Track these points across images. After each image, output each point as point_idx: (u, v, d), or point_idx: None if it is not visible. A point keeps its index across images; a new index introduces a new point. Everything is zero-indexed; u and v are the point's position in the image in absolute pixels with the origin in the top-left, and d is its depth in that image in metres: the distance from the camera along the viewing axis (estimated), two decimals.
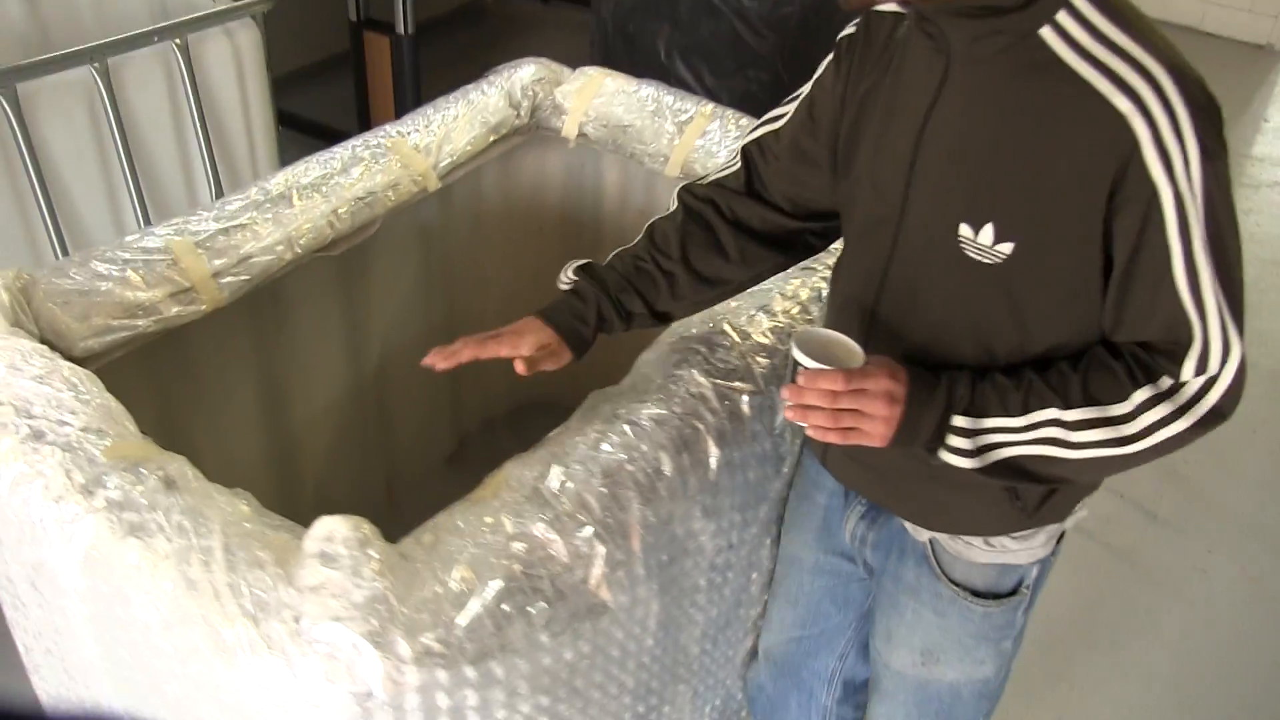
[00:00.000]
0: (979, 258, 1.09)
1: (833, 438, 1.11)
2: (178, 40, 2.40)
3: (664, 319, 1.40)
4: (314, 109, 3.96)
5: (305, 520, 1.13)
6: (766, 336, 1.49)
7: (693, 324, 1.50)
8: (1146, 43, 1.00)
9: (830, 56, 1.26)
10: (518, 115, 2.03)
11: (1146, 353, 1.08)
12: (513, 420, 2.54)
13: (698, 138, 1.93)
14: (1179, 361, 1.06)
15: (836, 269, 1.34)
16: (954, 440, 1.11)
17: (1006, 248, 1.07)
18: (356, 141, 1.85)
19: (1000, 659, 1.38)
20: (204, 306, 1.55)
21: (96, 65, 2.27)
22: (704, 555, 1.43)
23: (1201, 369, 1.05)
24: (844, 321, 1.27)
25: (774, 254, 1.38)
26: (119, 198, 2.46)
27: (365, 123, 3.74)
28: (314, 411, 1.97)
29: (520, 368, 1.30)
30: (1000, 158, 1.06)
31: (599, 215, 2.23)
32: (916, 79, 1.12)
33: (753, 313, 1.52)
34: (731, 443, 1.39)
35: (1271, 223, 4.26)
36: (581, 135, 2.03)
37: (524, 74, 2.05)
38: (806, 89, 1.30)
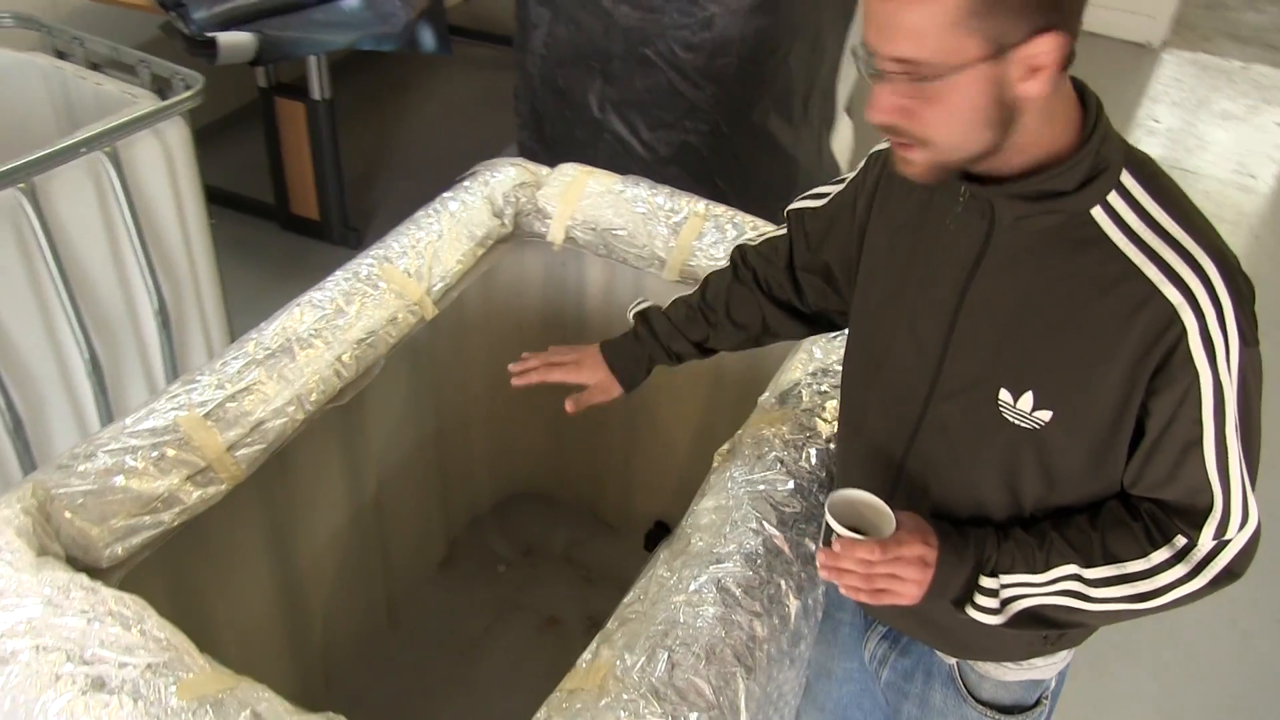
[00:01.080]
0: (1018, 422, 1.11)
1: (864, 598, 1.15)
2: (107, 149, 2.25)
3: (710, 353, 1.53)
4: (226, 176, 3.78)
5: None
6: (822, 469, 1.48)
7: (745, 455, 1.48)
8: (1193, 229, 1.02)
9: (863, 166, 1.27)
10: (502, 224, 1.96)
11: (1164, 512, 1.12)
12: (500, 515, 2.48)
13: (694, 239, 1.89)
14: (1198, 526, 1.09)
15: (853, 404, 1.33)
16: (981, 599, 1.16)
17: (1045, 415, 1.09)
18: (344, 273, 1.76)
19: None
20: (224, 485, 1.46)
21: (22, 186, 2.11)
22: (785, 701, 1.41)
23: (1220, 534, 1.09)
24: (870, 469, 1.28)
25: (804, 327, 1.48)
26: (54, 317, 2.30)
27: (282, 192, 3.58)
28: (318, 546, 1.88)
29: (570, 407, 1.50)
30: (1043, 328, 1.08)
31: (582, 312, 2.18)
32: (959, 234, 1.11)
33: (802, 445, 1.50)
34: (807, 588, 1.37)
35: None
36: (569, 240, 1.98)
37: (504, 179, 1.98)
38: (849, 178, 1.32)
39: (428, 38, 3.35)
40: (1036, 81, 0.94)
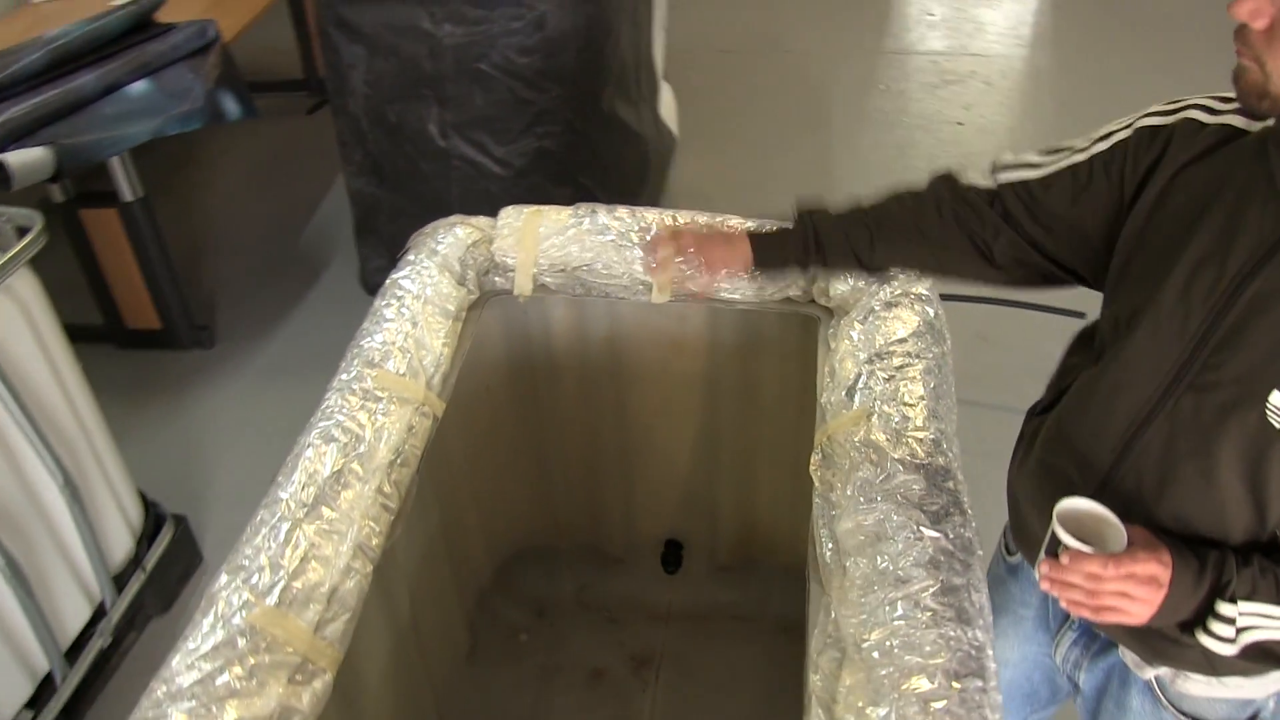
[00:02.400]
0: None
1: (1088, 614, 1.10)
2: None
3: (864, 269, 1.51)
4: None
5: None
6: (939, 454, 1.42)
7: (845, 462, 1.41)
8: None
9: (1124, 136, 1.19)
10: (469, 290, 1.80)
11: None
12: (503, 584, 2.33)
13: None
14: None
15: (1076, 382, 1.25)
16: (1216, 626, 1.09)
17: None
18: (337, 394, 1.56)
19: None
20: (328, 674, 1.27)
21: None
22: None
23: None
24: (1079, 460, 1.20)
25: (989, 270, 1.38)
26: None
27: (111, 309, 3.21)
28: (371, 684, 1.69)
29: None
30: None
31: (553, 358, 2.05)
32: (1262, 217, 1.03)
33: (900, 436, 1.44)
34: (981, 584, 1.30)
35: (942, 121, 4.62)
36: (538, 288, 1.84)
37: (453, 242, 1.81)
38: (1081, 158, 1.23)
39: (231, 105, 3.05)
40: None
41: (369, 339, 1.66)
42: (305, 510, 1.38)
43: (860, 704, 1.15)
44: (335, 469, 1.44)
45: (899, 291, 1.66)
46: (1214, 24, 5.38)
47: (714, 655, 2.26)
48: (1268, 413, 1.03)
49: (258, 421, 3.03)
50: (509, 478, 2.20)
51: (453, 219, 1.87)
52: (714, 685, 2.21)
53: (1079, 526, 1.09)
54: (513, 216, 1.86)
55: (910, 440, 1.44)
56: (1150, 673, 1.28)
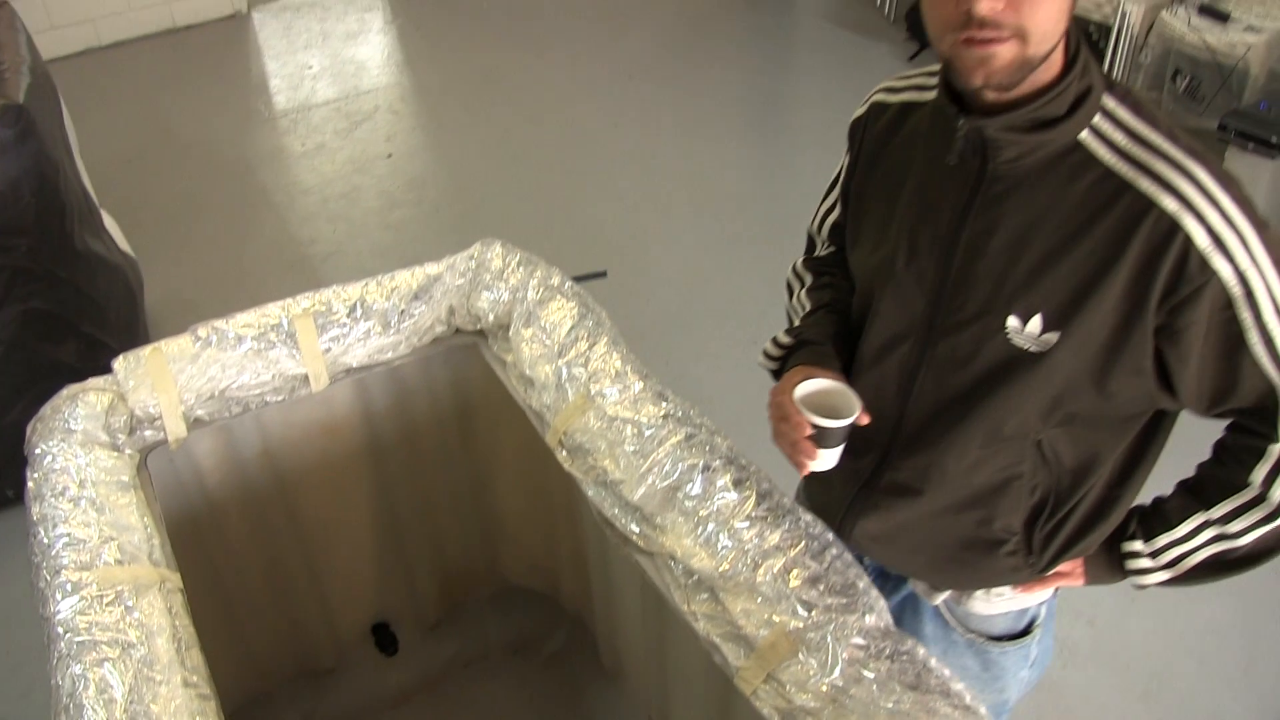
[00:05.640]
0: (1027, 347, 1.16)
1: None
2: None
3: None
4: None
5: None
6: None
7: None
8: (1176, 140, 1.08)
9: (848, 144, 1.36)
10: (131, 454, 1.63)
11: (1248, 426, 1.19)
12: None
13: (318, 339, 1.76)
14: (1274, 425, 1.15)
15: (864, 336, 1.37)
16: (1133, 563, 1.31)
17: (1053, 337, 1.13)
18: (63, 607, 1.36)
19: (1019, 685, 1.52)
20: None
21: None
22: None
23: None
24: (873, 417, 1.30)
25: None
26: None
27: None
28: None
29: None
30: (1045, 254, 1.12)
31: (209, 497, 1.90)
32: (955, 174, 1.17)
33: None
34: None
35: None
36: (194, 424, 1.71)
37: (89, 413, 1.62)
38: (839, 173, 1.40)
39: None
40: None
41: (58, 541, 1.45)
42: None
43: (764, 615, 1.29)
44: (128, 685, 1.27)
45: (540, 288, 1.80)
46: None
47: (474, 707, 2.27)
48: (1009, 337, 1.17)
49: None
50: (205, 640, 2.01)
51: (65, 392, 1.67)
52: None
53: (821, 404, 1.24)
54: (132, 363, 1.70)
55: (644, 403, 1.59)
56: (938, 598, 1.44)
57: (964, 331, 1.20)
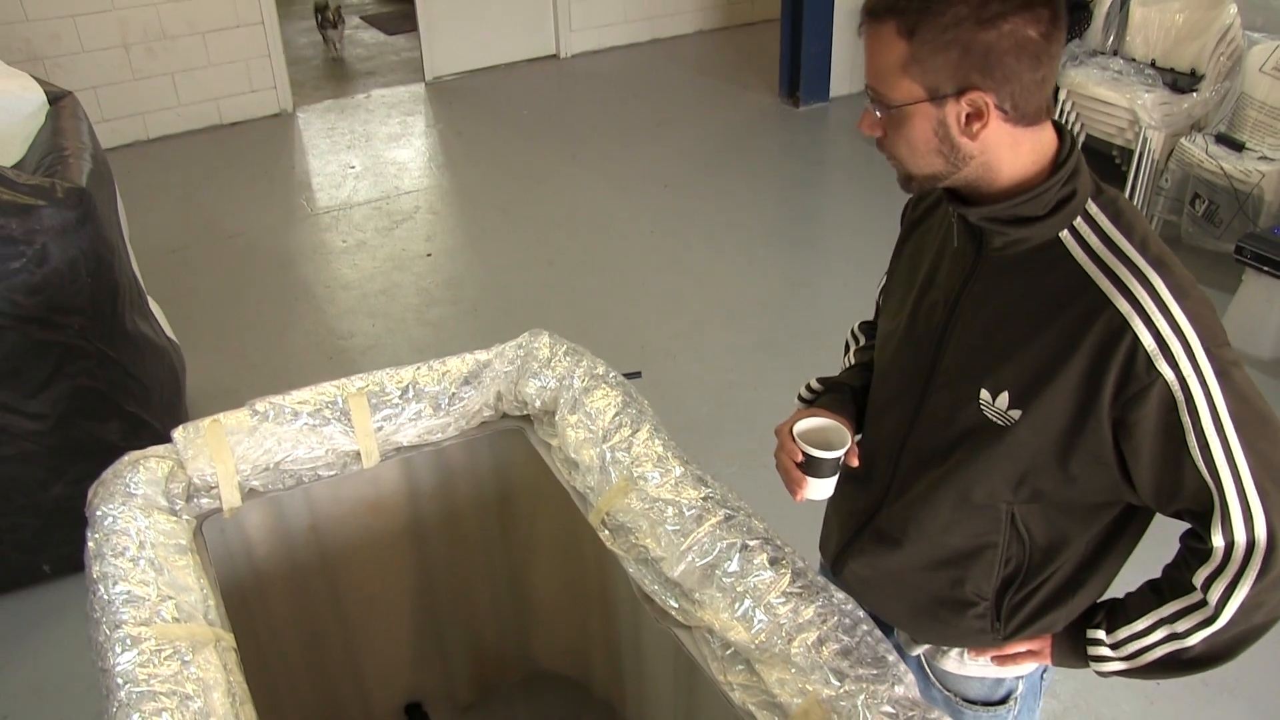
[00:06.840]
0: (994, 419, 1.26)
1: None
2: None
3: None
4: None
5: None
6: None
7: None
8: (1146, 250, 1.16)
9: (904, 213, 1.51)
10: (188, 520, 1.69)
11: (1194, 534, 1.23)
12: None
13: (370, 419, 1.84)
14: (1209, 529, 1.19)
15: (873, 405, 1.51)
16: (1095, 650, 1.35)
17: (1016, 414, 1.23)
18: (122, 660, 1.41)
19: None
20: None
21: None
22: None
23: (1228, 533, 1.17)
24: (875, 461, 1.46)
25: None
26: None
27: None
28: None
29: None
30: (1018, 336, 1.22)
31: (256, 567, 1.96)
32: (961, 251, 1.31)
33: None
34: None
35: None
36: (249, 494, 1.77)
37: (149, 479, 1.69)
38: (897, 244, 1.52)
39: None
40: (977, 127, 1.14)
41: (118, 598, 1.51)
42: None
43: (799, 684, 1.33)
44: None
45: (586, 377, 1.88)
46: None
47: None
48: (981, 407, 1.27)
49: None
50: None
51: (126, 458, 1.74)
52: None
53: (817, 438, 1.42)
54: (192, 433, 1.78)
55: (684, 486, 1.65)
56: (917, 649, 1.52)
57: (945, 394, 1.32)
